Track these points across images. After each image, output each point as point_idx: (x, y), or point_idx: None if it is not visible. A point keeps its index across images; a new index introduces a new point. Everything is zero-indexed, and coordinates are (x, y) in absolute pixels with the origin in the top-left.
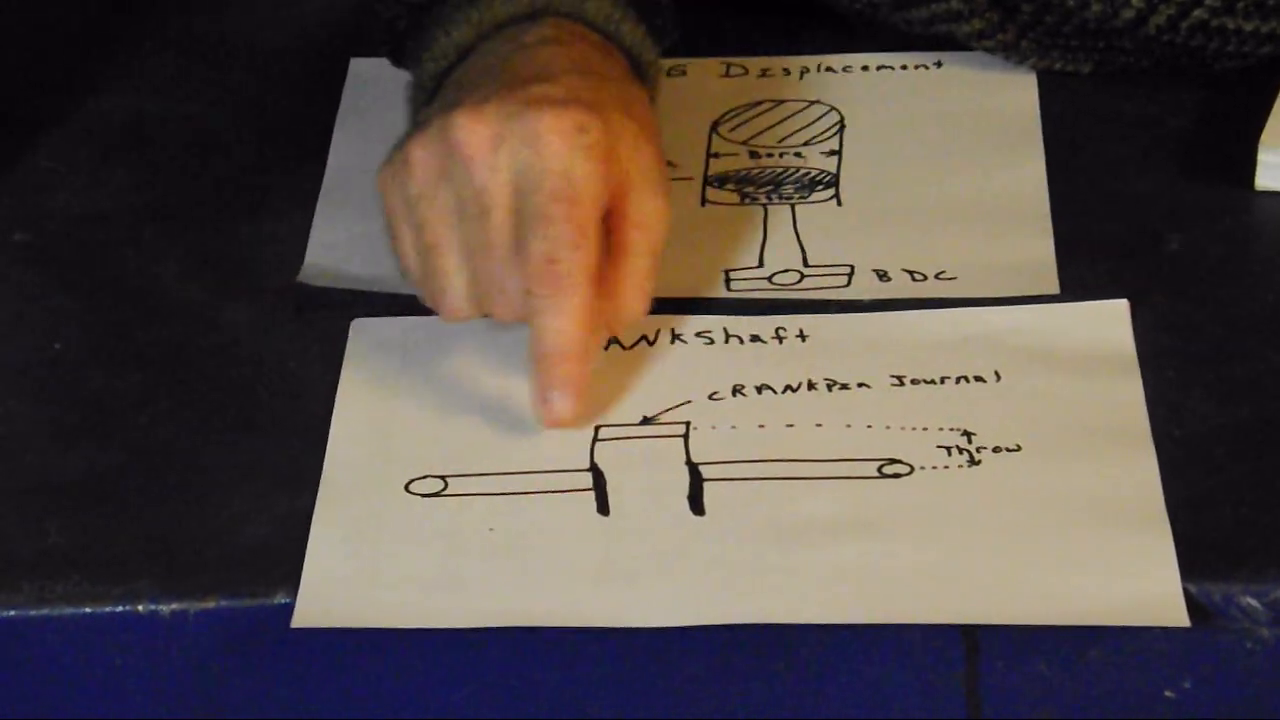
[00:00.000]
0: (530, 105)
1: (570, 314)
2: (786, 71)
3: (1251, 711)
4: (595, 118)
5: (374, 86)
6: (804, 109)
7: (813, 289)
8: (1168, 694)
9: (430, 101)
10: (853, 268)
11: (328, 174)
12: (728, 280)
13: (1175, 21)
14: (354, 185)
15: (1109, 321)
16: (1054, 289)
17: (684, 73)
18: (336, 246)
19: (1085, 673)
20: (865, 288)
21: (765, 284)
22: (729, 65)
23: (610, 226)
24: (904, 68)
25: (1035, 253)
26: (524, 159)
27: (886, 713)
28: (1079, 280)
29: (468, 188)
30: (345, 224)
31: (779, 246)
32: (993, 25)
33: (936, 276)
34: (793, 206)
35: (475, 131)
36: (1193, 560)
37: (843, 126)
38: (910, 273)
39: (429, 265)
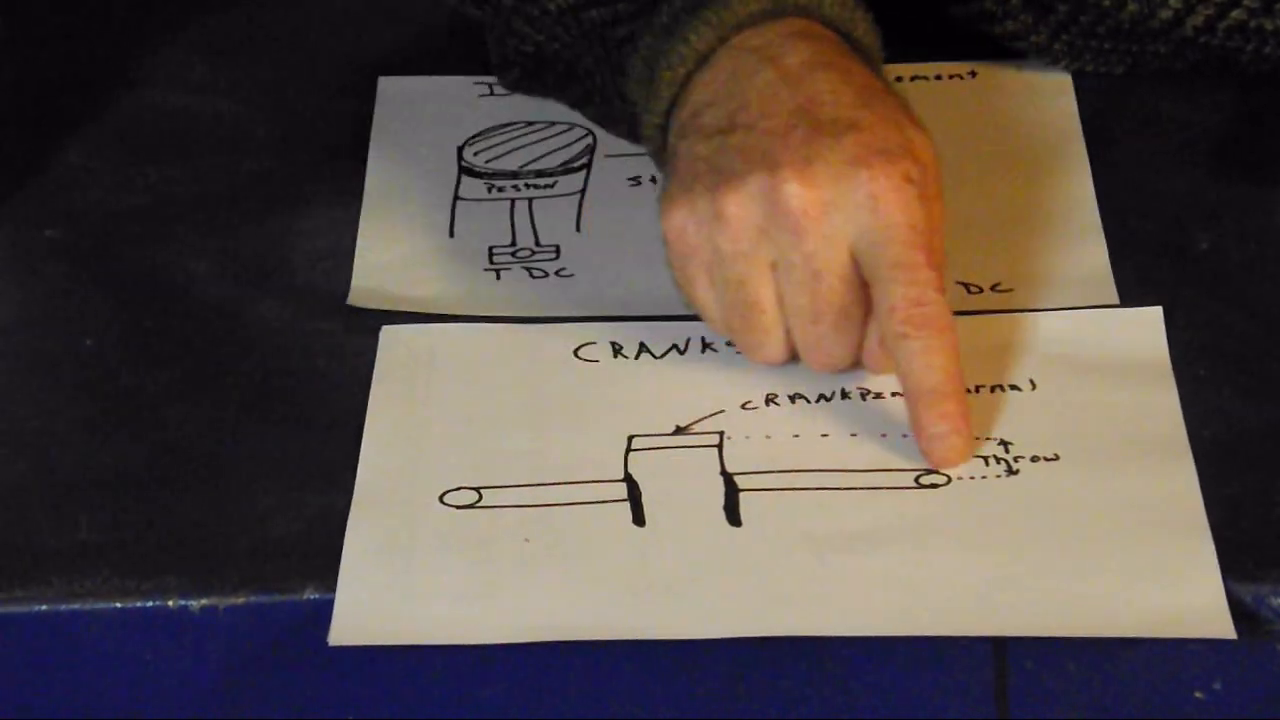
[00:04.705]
0: (857, 164)
1: (947, 351)
2: None
3: None
4: (913, 163)
5: (404, 106)
6: None
7: None
8: (1197, 695)
9: (670, 112)
10: None
11: (366, 195)
12: None
13: (1213, 22)
14: (395, 207)
15: (1144, 329)
16: (1113, 299)
17: None
18: (382, 269)
19: (1114, 674)
20: None
21: None
22: None
23: None
24: (939, 78)
25: (1090, 263)
26: (862, 222)
27: (914, 713)
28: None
29: (796, 252)
30: (389, 246)
31: None
32: (1026, 27)
33: (993, 289)
34: None
35: (806, 197)
36: (1223, 561)
37: None
38: (965, 285)
39: (747, 321)
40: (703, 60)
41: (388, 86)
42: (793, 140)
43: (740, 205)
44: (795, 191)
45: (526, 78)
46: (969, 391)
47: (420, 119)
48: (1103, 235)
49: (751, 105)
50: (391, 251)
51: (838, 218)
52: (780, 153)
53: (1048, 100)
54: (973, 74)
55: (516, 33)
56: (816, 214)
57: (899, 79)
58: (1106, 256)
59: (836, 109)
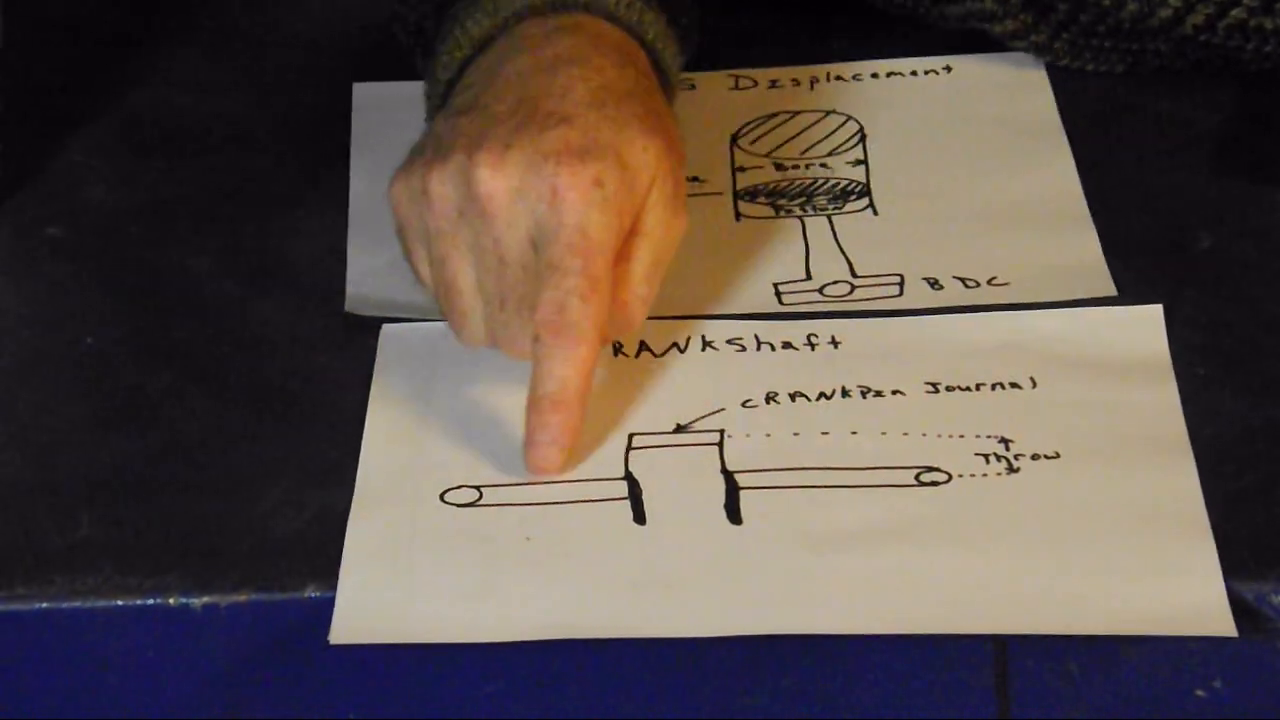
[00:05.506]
0: (550, 158)
1: (574, 364)
2: (796, 82)
3: None
4: (612, 168)
5: (381, 110)
6: (821, 119)
7: (865, 300)
8: (1198, 693)
9: (445, 97)
10: (902, 277)
11: (352, 202)
12: (778, 294)
13: (1213, 21)
14: (381, 213)
15: (1144, 327)
16: (1110, 290)
17: (693, 86)
18: (375, 274)
19: (1115, 672)
20: (918, 297)
21: (817, 296)
22: (737, 78)
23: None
24: (914, 73)
25: (1083, 254)
26: (541, 214)
27: (915, 712)
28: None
29: (486, 236)
30: (379, 252)
31: (824, 258)
32: (1026, 26)
33: (989, 283)
34: (830, 218)
35: (494, 183)
36: (1224, 559)
37: (864, 135)
38: (962, 280)
39: (449, 300)
40: (480, 47)
41: (363, 93)
42: (503, 128)
43: (441, 184)
44: (485, 176)
45: (420, 61)
46: (970, 390)
47: (398, 123)
48: (1092, 224)
49: (492, 90)
50: (381, 257)
51: (521, 207)
52: (487, 138)
53: (1024, 94)
54: (948, 69)
55: (399, 15)
56: (503, 201)
57: (875, 75)
58: (1099, 245)
59: (561, 103)
